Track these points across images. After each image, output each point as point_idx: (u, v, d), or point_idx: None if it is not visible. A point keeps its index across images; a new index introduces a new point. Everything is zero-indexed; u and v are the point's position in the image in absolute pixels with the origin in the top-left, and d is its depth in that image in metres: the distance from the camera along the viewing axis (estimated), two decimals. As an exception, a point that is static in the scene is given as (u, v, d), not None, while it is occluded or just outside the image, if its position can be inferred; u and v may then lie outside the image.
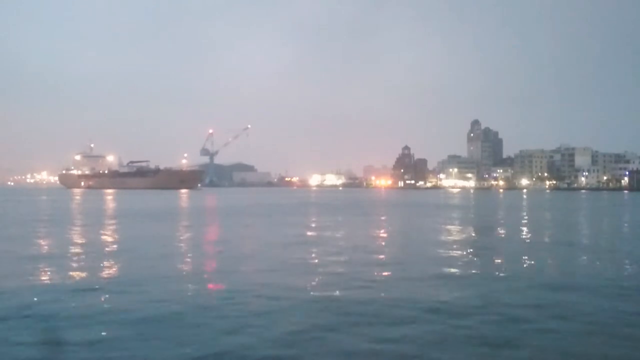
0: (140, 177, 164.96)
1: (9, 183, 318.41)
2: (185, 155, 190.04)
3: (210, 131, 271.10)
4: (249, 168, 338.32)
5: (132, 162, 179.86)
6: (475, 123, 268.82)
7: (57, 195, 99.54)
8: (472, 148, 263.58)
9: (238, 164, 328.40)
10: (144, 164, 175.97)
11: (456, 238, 21.96)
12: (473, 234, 23.53)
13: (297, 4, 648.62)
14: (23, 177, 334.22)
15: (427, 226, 28.31)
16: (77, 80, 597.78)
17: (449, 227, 27.45)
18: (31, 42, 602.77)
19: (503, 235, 22.76)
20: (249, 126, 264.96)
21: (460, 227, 27.35)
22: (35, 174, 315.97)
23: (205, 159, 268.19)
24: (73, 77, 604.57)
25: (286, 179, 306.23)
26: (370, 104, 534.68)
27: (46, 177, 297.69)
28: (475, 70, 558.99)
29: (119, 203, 67.01)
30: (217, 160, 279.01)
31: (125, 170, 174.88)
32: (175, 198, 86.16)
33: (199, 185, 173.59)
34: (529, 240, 20.95)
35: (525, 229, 24.83)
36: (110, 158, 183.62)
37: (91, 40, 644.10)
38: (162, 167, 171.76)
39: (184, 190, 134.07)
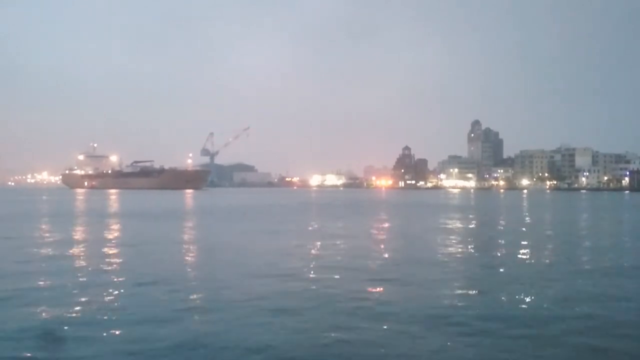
0: (144, 177, 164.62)
1: (9, 183, 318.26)
2: (191, 155, 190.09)
3: (211, 131, 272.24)
4: (250, 168, 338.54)
5: (136, 162, 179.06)
6: (476, 123, 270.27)
7: (65, 196, 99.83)
8: (472, 148, 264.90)
9: (238, 164, 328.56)
10: (148, 164, 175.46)
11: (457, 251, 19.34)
12: (474, 249, 20.66)
13: (298, 4, 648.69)
14: (23, 177, 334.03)
15: (427, 236, 25.63)
16: (77, 80, 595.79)
17: (450, 237, 24.77)
18: (31, 42, 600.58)
19: (504, 252, 19.34)
20: (249, 126, 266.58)
21: (461, 237, 25.26)
22: (35, 174, 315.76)
23: (206, 159, 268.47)
24: (73, 77, 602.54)
25: (286, 179, 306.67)
26: (370, 104, 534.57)
27: (47, 177, 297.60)
28: (476, 70, 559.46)
29: (134, 203, 67.38)
30: (218, 160, 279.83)
31: (129, 170, 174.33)
32: (186, 198, 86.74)
33: (205, 185, 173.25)
34: (530, 260, 17.71)
35: (526, 243, 23.26)
36: (114, 158, 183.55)
37: (91, 40, 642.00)
38: (164, 167, 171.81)
39: (189, 191, 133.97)
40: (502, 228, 31.71)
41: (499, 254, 19.00)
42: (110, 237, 24.40)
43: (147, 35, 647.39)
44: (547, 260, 17.49)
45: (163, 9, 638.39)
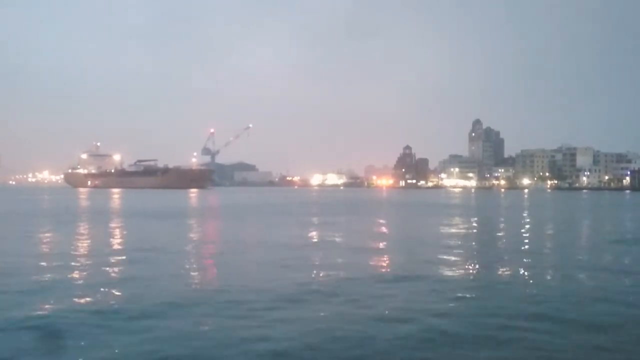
0: (148, 176, 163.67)
1: (10, 182, 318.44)
2: (195, 154, 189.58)
3: (212, 130, 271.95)
4: (250, 167, 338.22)
5: (139, 160, 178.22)
6: (477, 123, 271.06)
7: (69, 195, 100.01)
8: (473, 148, 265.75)
9: (239, 164, 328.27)
10: (151, 163, 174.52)
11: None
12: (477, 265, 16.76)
13: (298, 4, 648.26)
14: (24, 176, 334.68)
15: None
16: (76, 79, 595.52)
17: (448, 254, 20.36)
18: (31, 42, 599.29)
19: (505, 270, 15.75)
20: (250, 125, 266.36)
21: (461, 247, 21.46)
22: (36, 173, 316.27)
23: (207, 158, 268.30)
24: (72, 76, 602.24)
25: (287, 178, 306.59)
26: (370, 104, 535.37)
27: (47, 176, 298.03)
28: (477, 69, 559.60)
29: (151, 203, 67.45)
30: (218, 159, 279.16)
31: (133, 169, 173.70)
32: (199, 197, 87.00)
33: (210, 184, 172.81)
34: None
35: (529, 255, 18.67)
36: (117, 157, 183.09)
37: (91, 40, 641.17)
38: (168, 166, 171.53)
39: (193, 190, 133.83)
40: (503, 234, 29.17)
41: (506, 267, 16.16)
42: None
43: (147, 35, 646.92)
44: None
45: (163, 8, 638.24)
